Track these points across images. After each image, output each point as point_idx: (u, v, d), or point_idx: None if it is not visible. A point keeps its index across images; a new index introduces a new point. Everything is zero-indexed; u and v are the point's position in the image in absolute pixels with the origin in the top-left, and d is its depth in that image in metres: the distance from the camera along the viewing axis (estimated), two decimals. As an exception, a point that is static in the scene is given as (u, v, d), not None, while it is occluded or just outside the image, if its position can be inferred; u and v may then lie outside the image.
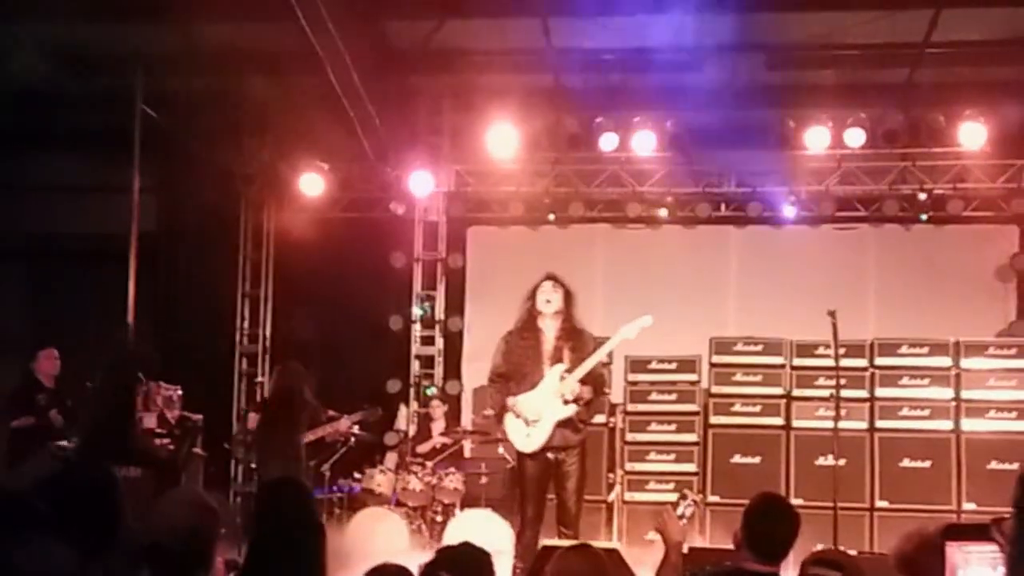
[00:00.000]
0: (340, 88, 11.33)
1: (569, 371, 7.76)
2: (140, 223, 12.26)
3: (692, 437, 11.04)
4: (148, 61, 11.87)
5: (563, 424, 7.75)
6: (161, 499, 4.23)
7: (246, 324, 13.62)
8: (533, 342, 7.85)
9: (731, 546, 7.82)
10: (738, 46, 11.65)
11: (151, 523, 3.82)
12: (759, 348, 11.19)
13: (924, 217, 12.46)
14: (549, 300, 7.84)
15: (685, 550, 4.88)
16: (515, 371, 7.84)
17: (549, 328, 7.90)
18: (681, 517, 4.66)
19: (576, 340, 7.89)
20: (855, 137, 11.88)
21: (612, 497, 11.04)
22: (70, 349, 11.10)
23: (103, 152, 12.88)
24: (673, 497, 4.99)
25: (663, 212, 12.84)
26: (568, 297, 7.93)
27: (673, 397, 11.18)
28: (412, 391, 13.03)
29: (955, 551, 3.85)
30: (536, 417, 7.72)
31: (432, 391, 12.70)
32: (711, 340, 11.31)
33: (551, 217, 12.92)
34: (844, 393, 9.73)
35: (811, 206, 12.63)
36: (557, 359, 7.81)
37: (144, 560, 3.69)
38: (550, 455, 7.78)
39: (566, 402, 7.75)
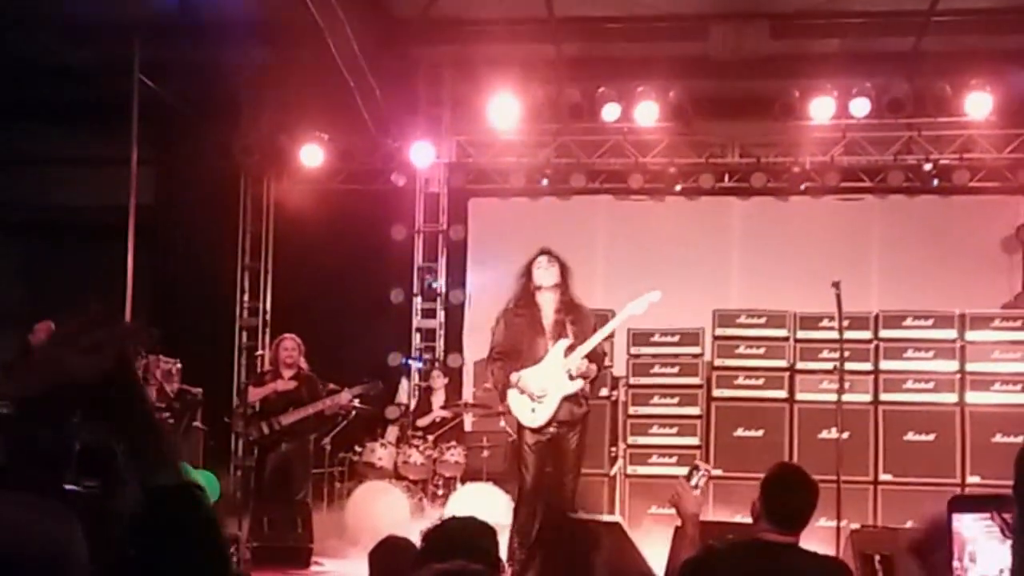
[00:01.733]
0: (340, 58, 11.22)
1: (574, 346, 7.70)
2: (139, 195, 12.17)
3: (695, 410, 10.97)
4: (147, 31, 11.76)
5: (569, 399, 7.71)
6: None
7: (246, 297, 13.56)
8: (533, 318, 7.79)
9: (738, 518, 7.77)
10: (742, 14, 11.54)
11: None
12: (762, 320, 11.10)
13: (935, 183, 12.35)
14: (552, 275, 7.77)
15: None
16: (516, 348, 7.78)
17: (548, 303, 7.84)
18: (695, 488, 4.58)
19: (577, 314, 7.84)
20: (860, 107, 11.77)
21: (615, 471, 10.99)
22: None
23: (101, 124, 12.78)
24: (675, 471, 4.93)
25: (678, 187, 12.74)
26: (565, 270, 7.86)
27: (676, 370, 11.10)
28: (413, 364, 12.98)
29: (963, 523, 3.77)
30: (542, 392, 7.67)
31: (416, 364, 12.65)
32: (714, 312, 11.23)
33: (544, 183, 12.80)
34: (848, 366, 9.64)
35: (815, 177, 12.53)
36: (560, 334, 7.75)
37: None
38: (553, 429, 7.74)
39: (572, 377, 7.70)
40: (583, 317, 7.88)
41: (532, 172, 12.82)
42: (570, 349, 7.70)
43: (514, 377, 7.72)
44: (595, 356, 7.84)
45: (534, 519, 7.68)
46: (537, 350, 7.75)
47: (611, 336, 10.78)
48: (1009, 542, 3.61)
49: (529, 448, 7.81)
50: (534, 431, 7.77)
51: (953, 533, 3.76)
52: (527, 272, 7.87)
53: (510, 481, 9.77)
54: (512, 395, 7.80)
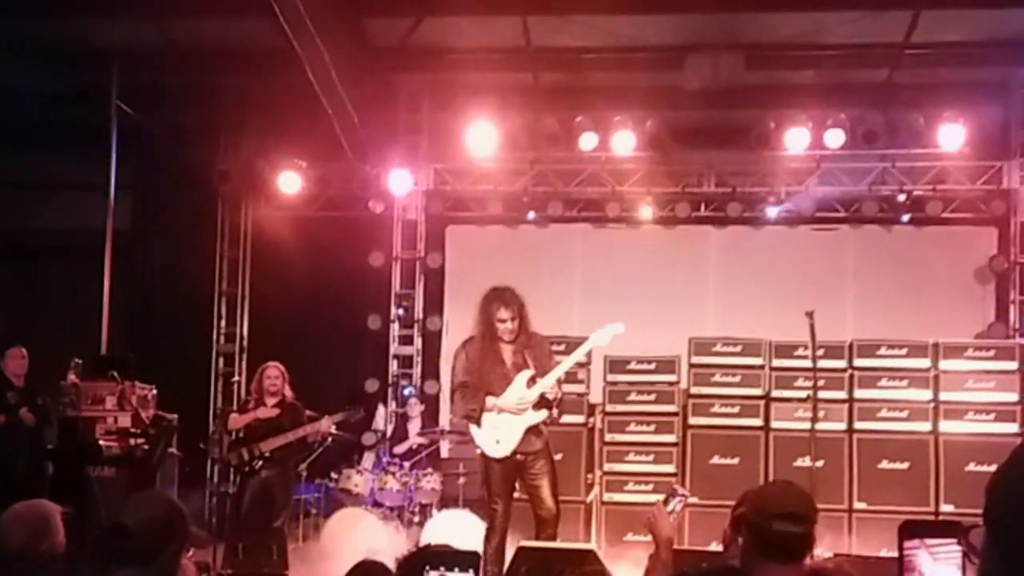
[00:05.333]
0: (318, 86, 11.26)
1: (535, 377, 7.76)
2: (116, 220, 12.18)
3: (671, 438, 10.99)
4: (125, 57, 11.78)
5: (531, 429, 7.79)
6: (134, 495, 4.23)
7: (223, 323, 13.54)
8: (494, 351, 7.84)
9: (713, 546, 7.79)
10: (718, 46, 11.64)
11: (120, 511, 3.79)
12: (738, 349, 11.14)
13: (905, 218, 12.49)
14: (512, 330, 7.82)
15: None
16: (479, 381, 7.83)
17: (506, 337, 7.91)
18: (671, 513, 4.59)
19: (535, 346, 7.93)
20: (835, 138, 11.88)
21: (591, 498, 10.99)
22: (43, 347, 10.99)
23: (78, 149, 12.80)
24: (651, 498, 4.94)
25: (647, 211, 12.81)
26: (522, 308, 7.91)
27: (652, 398, 11.12)
28: (390, 391, 12.98)
29: (922, 551, 3.79)
30: (509, 423, 7.75)
31: (409, 391, 12.64)
32: (690, 340, 11.26)
33: (531, 215, 12.90)
34: (823, 394, 9.70)
35: (791, 207, 12.63)
36: (521, 366, 7.82)
37: (106, 538, 3.66)
38: (518, 456, 7.81)
39: (536, 407, 7.77)
40: (541, 346, 7.99)
41: (509, 200, 12.87)
42: (532, 380, 7.77)
43: (491, 401, 7.78)
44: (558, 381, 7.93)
45: (504, 547, 7.71)
46: (500, 383, 7.81)
47: (588, 363, 10.85)
48: (972, 566, 3.63)
49: (496, 476, 7.85)
50: (499, 461, 7.82)
51: (905, 560, 3.77)
52: (488, 312, 7.87)
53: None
54: (475, 427, 7.87)
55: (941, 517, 10.05)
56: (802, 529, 3.54)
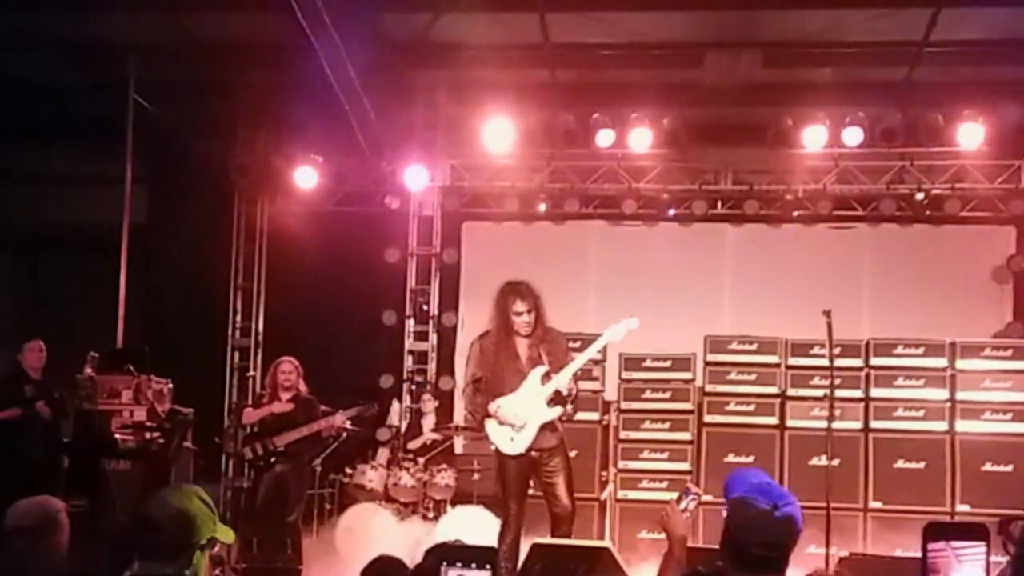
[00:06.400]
0: (335, 81, 11.25)
1: (550, 373, 7.72)
2: (132, 214, 12.21)
3: (686, 436, 10.97)
4: (142, 51, 11.80)
5: (546, 426, 7.74)
6: (162, 489, 4.23)
7: (238, 318, 13.56)
8: (508, 346, 7.80)
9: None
10: (736, 43, 11.61)
11: (147, 503, 3.79)
12: (754, 347, 11.11)
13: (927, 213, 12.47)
14: (528, 323, 7.77)
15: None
16: (493, 376, 7.80)
17: (522, 331, 7.87)
18: (685, 511, 4.57)
19: (551, 342, 7.87)
20: (853, 136, 11.84)
21: (605, 495, 10.98)
22: (60, 341, 11.02)
23: (95, 143, 12.82)
24: (666, 496, 4.92)
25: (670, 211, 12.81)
26: (538, 302, 7.86)
27: (667, 395, 11.10)
28: (405, 386, 12.98)
29: (948, 551, 3.76)
30: (522, 422, 7.69)
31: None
32: (706, 338, 11.23)
33: (542, 208, 12.88)
34: (839, 393, 9.65)
35: (808, 205, 12.59)
36: (536, 362, 7.78)
37: (134, 533, 3.66)
38: (534, 453, 7.77)
39: (551, 404, 7.72)
40: (556, 342, 7.92)
41: (526, 196, 12.86)
42: (546, 376, 7.73)
43: (492, 406, 7.74)
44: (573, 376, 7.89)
45: (519, 543, 7.68)
46: (513, 379, 7.77)
47: (603, 360, 10.83)
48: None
49: (511, 473, 7.82)
50: (514, 458, 7.79)
51: (928, 560, 3.75)
52: (503, 309, 7.83)
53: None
54: (490, 424, 7.83)
55: (957, 517, 10.01)
56: (779, 552, 3.63)
